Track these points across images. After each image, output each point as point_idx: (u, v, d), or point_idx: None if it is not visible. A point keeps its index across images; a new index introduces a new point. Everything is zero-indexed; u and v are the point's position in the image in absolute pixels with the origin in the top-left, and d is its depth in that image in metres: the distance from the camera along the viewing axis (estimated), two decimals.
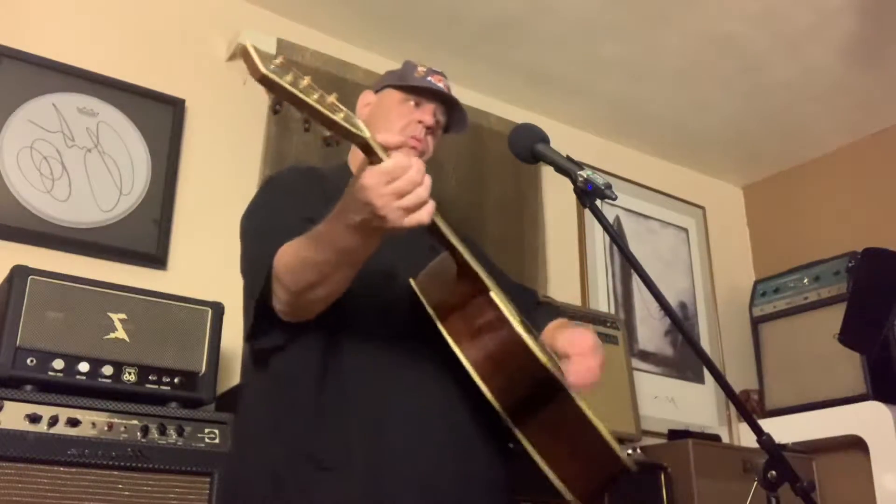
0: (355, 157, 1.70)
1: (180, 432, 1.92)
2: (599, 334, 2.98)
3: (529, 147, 1.56)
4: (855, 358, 3.13)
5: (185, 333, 2.07)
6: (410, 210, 1.19)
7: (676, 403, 3.52)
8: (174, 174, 2.64)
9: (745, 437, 3.47)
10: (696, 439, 2.92)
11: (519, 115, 3.38)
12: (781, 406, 3.36)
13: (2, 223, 2.32)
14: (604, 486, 1.48)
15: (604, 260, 3.58)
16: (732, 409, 3.64)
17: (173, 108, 2.68)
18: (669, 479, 2.72)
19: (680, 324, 1.55)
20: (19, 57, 2.46)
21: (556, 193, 3.43)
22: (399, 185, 1.17)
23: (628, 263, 2.11)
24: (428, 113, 1.71)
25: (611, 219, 3.63)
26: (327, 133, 1.16)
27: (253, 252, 1.49)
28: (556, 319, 1.81)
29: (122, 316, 1.99)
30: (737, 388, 3.18)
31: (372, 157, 1.19)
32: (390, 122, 1.70)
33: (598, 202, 1.47)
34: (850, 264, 3.28)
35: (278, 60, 1.10)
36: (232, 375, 2.44)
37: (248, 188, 2.69)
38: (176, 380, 2.01)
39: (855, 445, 3.14)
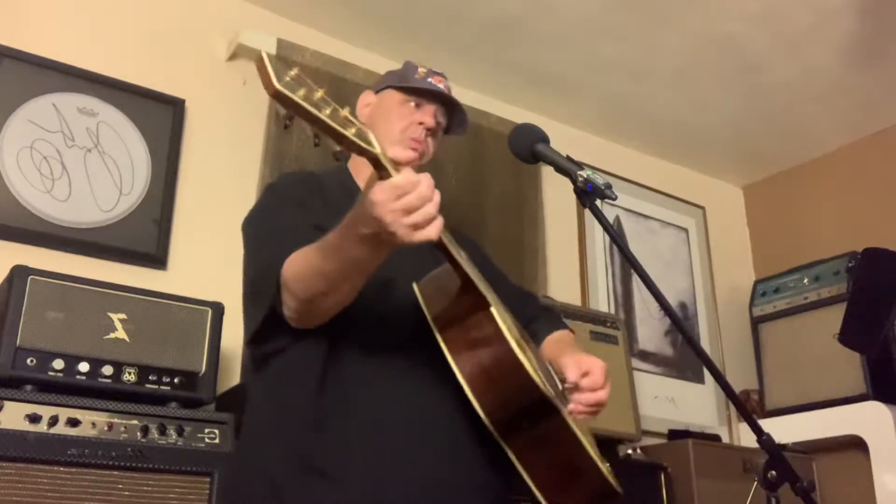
0: (356, 160, 1.70)
1: (180, 432, 1.91)
2: (599, 334, 3.02)
3: (529, 147, 1.56)
4: (855, 358, 3.13)
5: (185, 333, 2.07)
6: (419, 227, 1.19)
7: (676, 403, 3.52)
8: (174, 174, 2.64)
9: (745, 437, 3.47)
10: (696, 439, 2.92)
11: (519, 115, 3.38)
12: (781, 406, 3.36)
13: (2, 223, 2.32)
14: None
15: (604, 260, 3.58)
16: (732, 409, 3.63)
17: (173, 108, 2.68)
18: (669, 479, 2.72)
19: (680, 324, 1.54)
20: (19, 57, 2.46)
21: (556, 193, 3.43)
22: (408, 202, 1.17)
23: (628, 263, 2.11)
24: (428, 114, 1.71)
25: (611, 219, 3.63)
26: (337, 148, 1.15)
27: (260, 259, 1.49)
28: (557, 330, 1.81)
29: (122, 316, 1.99)
30: (737, 388, 3.18)
31: (382, 171, 1.19)
32: (391, 123, 1.70)
33: (598, 202, 1.47)
34: (850, 264, 3.28)
35: (293, 72, 1.08)
36: (232, 375, 2.44)
37: (248, 188, 2.71)
38: (176, 380, 2.01)
39: (855, 445, 3.14)
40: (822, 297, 3.35)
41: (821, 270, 3.40)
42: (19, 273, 1.90)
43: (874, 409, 3.06)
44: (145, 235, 2.53)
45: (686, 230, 3.94)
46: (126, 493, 1.80)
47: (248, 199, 2.67)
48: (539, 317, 1.84)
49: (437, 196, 1.20)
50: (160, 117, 2.65)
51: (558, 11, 2.99)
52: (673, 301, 3.69)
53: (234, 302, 2.22)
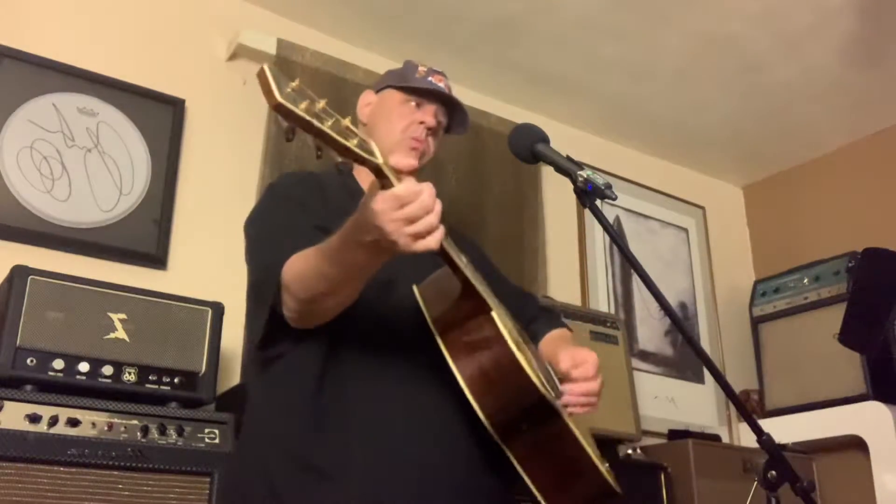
0: None
1: (180, 432, 1.91)
2: (599, 334, 3.02)
3: (529, 147, 1.56)
4: (855, 358, 3.13)
5: (185, 333, 2.07)
6: (420, 236, 1.19)
7: (676, 403, 3.52)
8: (174, 174, 2.64)
9: (745, 437, 3.47)
10: (696, 439, 2.92)
11: (519, 115, 3.37)
12: (781, 406, 3.36)
13: (2, 223, 2.32)
14: None
15: (604, 260, 3.58)
16: (732, 409, 3.63)
17: (173, 108, 2.68)
18: (669, 479, 2.72)
19: (680, 324, 1.54)
20: (19, 57, 2.46)
21: (556, 193, 3.43)
22: (409, 211, 1.18)
23: (628, 263, 2.11)
24: (429, 114, 1.71)
25: (611, 219, 3.63)
26: (340, 159, 1.16)
27: (261, 261, 1.49)
28: (555, 329, 1.81)
29: (122, 316, 1.99)
30: (737, 388, 3.18)
31: (384, 180, 1.19)
32: (391, 122, 1.70)
33: (598, 202, 1.47)
34: (850, 264, 3.28)
35: (294, 84, 1.08)
36: (232, 375, 2.44)
37: (248, 188, 2.71)
38: (176, 380, 2.01)
39: (855, 445, 3.14)
40: (822, 297, 3.35)
41: (821, 270, 3.40)
42: (19, 273, 1.90)
43: (874, 409, 3.06)
44: (145, 235, 2.53)
45: (686, 230, 3.94)
46: (126, 493, 1.80)
47: (248, 199, 2.67)
48: (538, 317, 1.84)
49: (438, 206, 1.21)
50: (160, 117, 2.65)
51: (558, 11, 2.99)
52: (673, 301, 3.69)
53: (234, 302, 2.23)
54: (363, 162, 1.17)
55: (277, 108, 1.06)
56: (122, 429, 1.85)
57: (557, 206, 3.45)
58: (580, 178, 1.45)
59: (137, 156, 2.60)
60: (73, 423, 1.80)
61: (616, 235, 1.51)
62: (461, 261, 1.38)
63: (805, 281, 3.44)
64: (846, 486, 3.15)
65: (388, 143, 1.63)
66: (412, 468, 1.40)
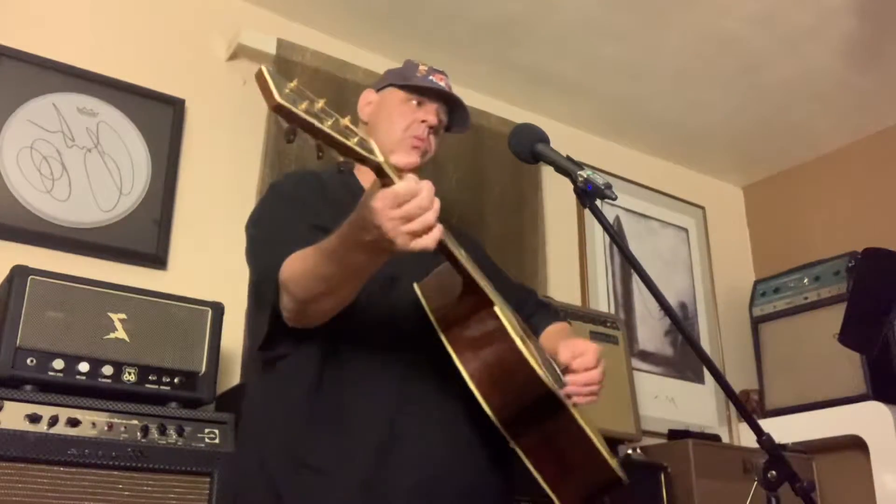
0: None
1: (180, 432, 1.91)
2: (599, 334, 3.02)
3: (529, 147, 1.57)
4: (855, 358, 3.13)
5: (185, 333, 2.07)
6: (417, 234, 1.19)
7: (676, 403, 3.52)
8: (174, 174, 2.64)
9: (745, 437, 3.47)
10: (696, 439, 2.92)
11: (519, 115, 3.37)
12: (781, 406, 3.36)
13: (2, 223, 2.32)
14: (597, 496, 1.49)
15: (604, 260, 3.58)
16: (732, 409, 3.63)
17: (173, 108, 2.68)
18: (669, 479, 2.72)
19: (680, 324, 1.54)
20: (19, 57, 2.46)
21: (556, 193, 3.43)
22: (407, 210, 1.18)
23: (628, 263, 2.11)
24: (431, 112, 1.71)
25: (611, 219, 3.63)
26: (341, 158, 1.16)
27: (263, 260, 1.49)
28: (555, 323, 1.82)
29: (122, 316, 1.99)
30: (737, 388, 3.18)
31: (384, 178, 1.19)
32: (393, 121, 1.70)
33: (598, 202, 1.48)
34: (850, 264, 3.28)
35: (293, 84, 1.08)
36: (232, 375, 2.44)
37: (248, 188, 2.71)
38: (176, 380, 2.01)
39: (855, 445, 3.14)
40: (822, 297, 3.35)
41: (821, 270, 3.40)
42: (19, 273, 1.90)
43: (874, 409, 3.06)
44: (145, 235, 2.53)
45: (686, 230, 3.94)
46: (126, 493, 1.80)
47: (248, 199, 2.68)
48: (538, 312, 1.85)
49: (436, 204, 1.21)
50: (160, 117, 2.65)
51: (558, 11, 2.99)
52: (673, 301, 3.69)
53: (234, 302, 2.24)
54: (364, 161, 1.17)
55: (277, 109, 1.06)
56: (122, 429, 1.85)
57: (557, 206, 3.45)
58: (580, 178, 1.45)
59: (137, 156, 2.60)
60: (73, 423, 1.80)
61: (616, 235, 1.51)
62: (462, 256, 1.38)
63: (805, 281, 3.44)
64: (846, 486, 3.15)
65: (389, 142, 1.63)
66: (413, 467, 1.40)
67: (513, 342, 1.36)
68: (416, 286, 1.47)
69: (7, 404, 1.75)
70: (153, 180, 2.59)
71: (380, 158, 1.18)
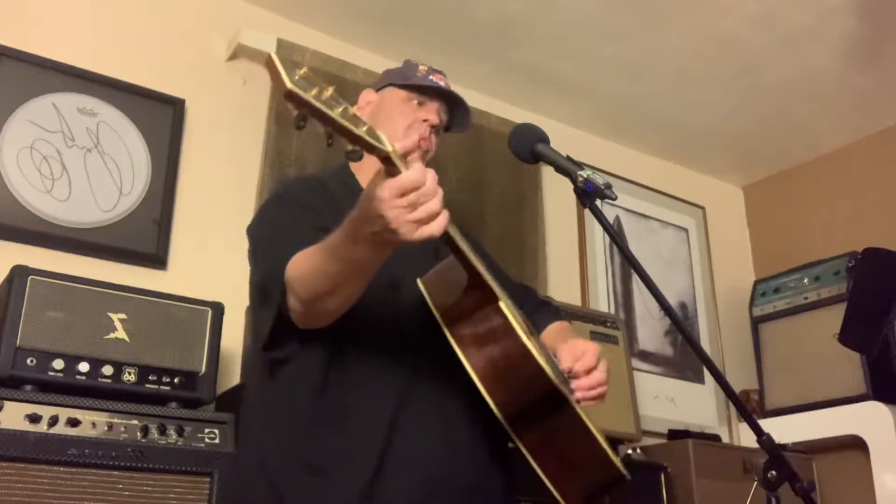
0: None
1: (180, 432, 1.91)
2: (599, 334, 3.02)
3: (529, 147, 1.56)
4: (855, 358, 3.13)
5: (185, 333, 2.07)
6: (422, 222, 1.19)
7: (676, 403, 3.52)
8: (174, 174, 2.64)
9: (745, 437, 3.47)
10: (696, 439, 2.92)
11: (519, 115, 3.38)
12: (781, 406, 3.36)
13: (2, 223, 2.32)
14: (599, 494, 1.49)
15: (604, 260, 3.58)
16: (732, 409, 3.63)
17: (173, 108, 2.68)
18: (669, 479, 2.72)
19: (680, 324, 1.54)
20: (19, 57, 2.46)
21: (556, 193, 3.43)
22: (412, 198, 1.17)
23: (628, 263, 2.11)
24: (432, 112, 1.71)
25: (611, 219, 3.63)
26: (350, 147, 1.15)
27: (266, 262, 1.48)
28: (555, 321, 1.82)
29: (122, 316, 1.99)
30: (737, 388, 3.18)
31: (391, 168, 1.18)
32: (394, 121, 1.69)
33: (598, 202, 1.47)
34: (850, 264, 3.28)
35: (302, 71, 1.07)
36: (232, 375, 2.44)
37: (248, 188, 2.71)
38: (176, 380, 2.01)
39: (855, 445, 3.14)
40: (822, 297, 3.35)
41: (821, 270, 3.40)
42: (19, 273, 1.90)
43: (874, 409, 3.06)
44: (145, 235, 2.53)
45: (686, 230, 3.94)
46: (126, 493, 1.80)
47: (248, 199, 2.69)
48: (538, 310, 1.84)
49: (440, 192, 1.20)
50: (160, 117, 2.65)
51: (558, 11, 2.99)
52: (673, 301, 3.69)
53: (234, 302, 2.23)
54: (372, 149, 1.16)
55: (288, 96, 1.06)
56: (122, 429, 1.85)
57: (557, 206, 3.45)
58: (580, 178, 1.45)
59: (137, 156, 2.60)
60: (73, 423, 1.80)
61: (616, 235, 1.51)
62: (467, 249, 1.37)
63: (805, 281, 3.44)
64: (846, 486, 3.15)
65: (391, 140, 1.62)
66: (414, 468, 1.40)
67: (518, 337, 1.35)
68: (419, 282, 1.46)
69: (7, 404, 1.75)
70: (153, 180, 2.59)
71: (388, 148, 1.17)
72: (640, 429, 2.97)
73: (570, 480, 1.42)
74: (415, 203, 1.17)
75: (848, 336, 2.99)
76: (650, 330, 3.60)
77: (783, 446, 1.54)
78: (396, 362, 1.46)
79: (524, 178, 3.37)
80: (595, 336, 3.00)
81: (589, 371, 1.50)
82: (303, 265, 1.35)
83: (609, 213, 3.57)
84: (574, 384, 1.49)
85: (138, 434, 1.86)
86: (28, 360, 1.85)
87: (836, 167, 3.85)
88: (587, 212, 1.73)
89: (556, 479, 1.41)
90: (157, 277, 2.49)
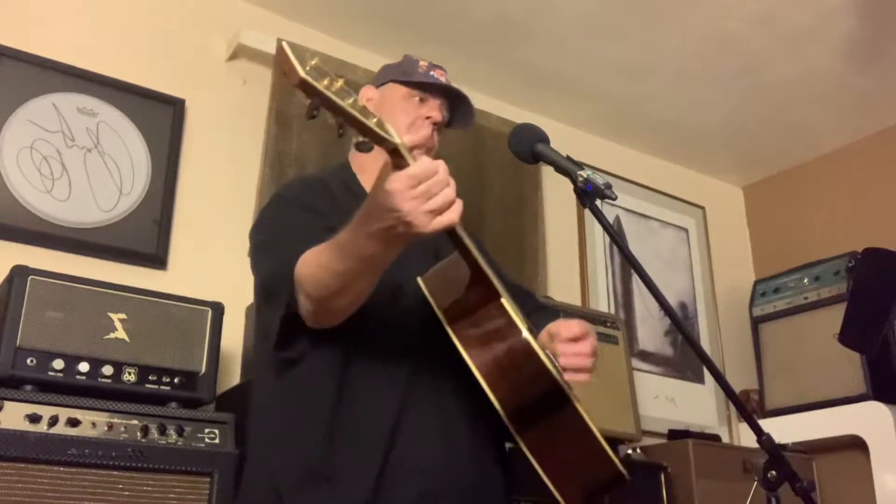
0: (359, 157, 1.69)
1: (180, 432, 1.91)
2: (599, 334, 2.99)
3: (529, 147, 1.56)
4: (855, 358, 3.13)
5: (185, 333, 2.06)
6: (438, 212, 1.18)
7: (676, 403, 3.52)
8: (174, 174, 2.64)
9: (745, 437, 3.47)
10: (696, 439, 2.92)
11: (519, 115, 3.37)
12: (781, 406, 3.36)
13: (2, 223, 2.32)
14: (598, 493, 1.49)
15: (604, 260, 3.58)
16: (732, 409, 3.63)
17: (173, 108, 2.68)
18: (669, 479, 2.72)
19: (680, 324, 1.54)
20: (19, 57, 2.46)
21: (556, 193, 3.43)
22: (427, 187, 1.16)
23: (628, 263, 2.11)
24: (435, 109, 1.69)
25: (611, 219, 3.63)
26: (360, 138, 1.15)
27: (272, 261, 1.46)
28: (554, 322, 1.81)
29: (122, 316, 1.99)
30: (737, 388, 3.17)
31: (400, 160, 1.18)
32: (396, 118, 1.67)
33: (597, 202, 1.47)
34: (850, 264, 3.28)
35: (313, 62, 1.07)
36: (232, 375, 2.44)
37: (248, 188, 2.71)
38: (176, 380, 2.01)
39: (855, 445, 3.14)
40: (822, 297, 3.35)
41: (821, 270, 3.40)
42: (19, 273, 1.90)
43: (874, 409, 3.06)
44: (145, 235, 2.53)
45: (686, 230, 3.94)
46: (126, 493, 1.80)
47: (248, 199, 2.69)
48: (537, 311, 1.84)
49: (453, 182, 1.20)
50: (160, 117, 2.65)
51: (558, 11, 2.99)
52: (673, 301, 3.69)
53: (234, 302, 2.24)
54: (381, 141, 1.16)
55: (301, 85, 1.05)
56: (122, 429, 1.85)
57: (557, 206, 3.46)
58: (580, 178, 1.44)
59: (137, 156, 2.60)
60: (73, 423, 1.79)
61: (616, 235, 1.51)
62: (472, 246, 1.36)
63: (805, 281, 3.44)
64: (846, 486, 3.15)
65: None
66: (417, 472, 1.40)
67: (522, 335, 1.35)
68: (419, 280, 1.46)
69: (7, 404, 1.75)
70: (153, 180, 2.59)
71: (397, 140, 1.17)
72: (640, 429, 2.97)
73: (570, 479, 1.42)
74: (429, 193, 1.17)
75: (848, 336, 2.99)
76: (650, 330, 3.60)
77: (783, 446, 1.54)
78: (398, 364, 1.46)
79: (524, 178, 3.37)
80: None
81: (573, 339, 1.50)
82: (311, 264, 1.34)
83: (609, 213, 3.57)
84: (558, 349, 1.48)
85: (138, 434, 1.86)
86: (28, 360, 1.85)
87: (836, 167, 3.85)
88: (587, 212, 1.72)
89: (556, 478, 1.41)
90: (157, 277, 2.49)
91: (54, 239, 2.38)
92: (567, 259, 3.46)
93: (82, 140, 2.51)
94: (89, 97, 2.55)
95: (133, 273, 2.45)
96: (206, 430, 1.95)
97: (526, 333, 1.35)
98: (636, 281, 3.58)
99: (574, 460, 1.43)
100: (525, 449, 1.40)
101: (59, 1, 2.61)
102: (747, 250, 4.14)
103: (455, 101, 1.76)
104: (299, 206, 1.56)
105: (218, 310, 2.13)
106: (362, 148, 1.15)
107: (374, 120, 1.14)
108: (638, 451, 2.86)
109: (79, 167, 2.49)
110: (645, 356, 3.53)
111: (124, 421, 1.86)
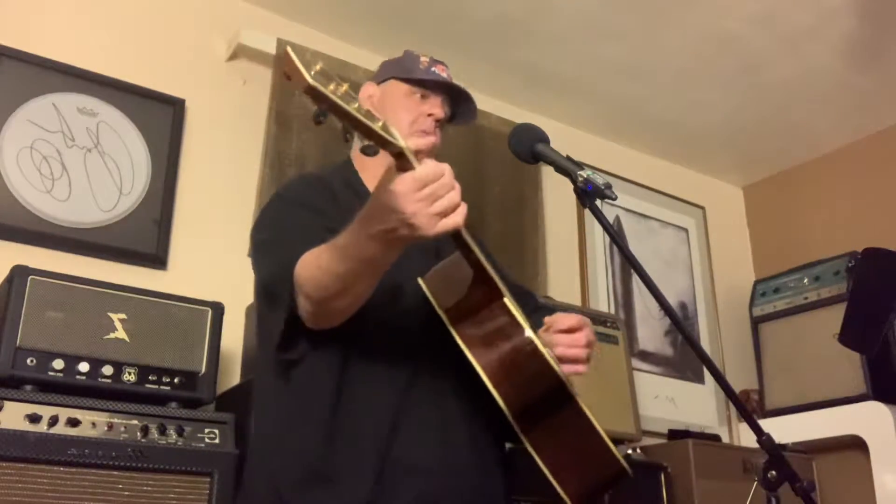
0: (361, 156, 1.68)
1: (180, 432, 1.91)
2: (599, 334, 3.02)
3: (529, 147, 1.56)
4: (855, 358, 3.13)
5: (185, 333, 2.06)
6: (443, 215, 1.18)
7: (676, 403, 3.52)
8: (174, 174, 2.64)
9: (745, 437, 3.47)
10: (696, 439, 2.92)
11: (519, 115, 3.37)
12: (781, 406, 3.36)
13: (2, 223, 2.32)
14: (602, 490, 1.49)
15: (604, 260, 3.58)
16: (732, 409, 3.64)
17: (173, 108, 2.68)
18: (669, 479, 2.72)
19: (680, 324, 1.54)
20: (19, 57, 2.46)
21: (556, 193, 3.43)
22: (433, 190, 1.17)
23: (628, 263, 2.11)
24: (436, 105, 1.69)
25: (611, 219, 3.63)
26: (366, 142, 1.15)
27: (273, 262, 1.46)
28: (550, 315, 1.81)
29: (122, 316, 1.99)
30: (737, 388, 3.17)
31: (405, 163, 1.18)
32: (398, 115, 1.66)
33: (597, 202, 1.47)
34: (850, 264, 3.28)
35: (318, 67, 1.07)
36: (232, 375, 2.44)
37: (248, 188, 2.71)
38: (176, 380, 2.01)
39: (855, 445, 3.14)
40: (822, 297, 3.35)
41: (821, 270, 3.40)
42: (19, 273, 1.90)
43: (874, 409, 3.06)
44: (145, 235, 2.53)
45: (686, 230, 3.94)
46: (126, 493, 1.80)
47: (248, 199, 2.69)
48: (537, 312, 1.84)
49: (458, 185, 1.20)
50: (160, 117, 2.65)
51: (558, 11, 2.99)
52: (673, 301, 3.69)
53: (234, 302, 2.24)
54: (386, 144, 1.16)
55: (309, 91, 1.06)
56: (122, 429, 1.85)
57: (557, 206, 3.45)
58: (580, 178, 1.45)
59: (137, 156, 2.60)
60: (73, 423, 1.79)
61: (616, 235, 1.51)
62: (474, 246, 1.36)
63: (805, 281, 3.44)
64: (846, 486, 3.15)
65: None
66: (417, 472, 1.40)
67: (526, 334, 1.35)
68: (420, 281, 1.46)
69: (7, 404, 1.75)
70: (153, 180, 2.59)
71: (402, 143, 1.17)
72: (640, 429, 2.97)
73: (574, 475, 1.41)
74: (434, 195, 1.17)
75: (848, 336, 2.99)
76: (650, 330, 3.60)
77: (783, 446, 1.54)
78: (398, 364, 1.46)
79: (524, 178, 3.37)
80: (595, 336, 2.99)
81: (568, 329, 1.50)
82: (311, 265, 1.34)
83: (609, 213, 3.57)
84: (552, 339, 1.48)
85: (138, 434, 1.86)
86: (28, 360, 1.85)
87: (836, 167, 3.85)
88: (587, 212, 1.72)
89: (560, 475, 1.40)
90: (157, 277, 2.49)
91: (54, 239, 2.38)
92: (567, 259, 3.46)
93: (82, 140, 2.51)
94: (89, 97, 2.55)
95: (133, 273, 2.45)
96: (206, 430, 1.95)
97: (530, 332, 1.36)
98: (636, 281, 3.58)
99: (578, 457, 1.43)
100: (529, 446, 1.40)
101: (59, 1, 2.61)
102: (747, 250, 4.14)
103: (457, 96, 1.75)
104: (300, 205, 1.55)
105: (218, 310, 2.13)
106: (368, 152, 1.15)
107: (380, 124, 1.14)
108: (638, 451, 2.86)
109: (79, 167, 2.49)
110: (645, 356, 3.53)
111: (124, 421, 1.86)
